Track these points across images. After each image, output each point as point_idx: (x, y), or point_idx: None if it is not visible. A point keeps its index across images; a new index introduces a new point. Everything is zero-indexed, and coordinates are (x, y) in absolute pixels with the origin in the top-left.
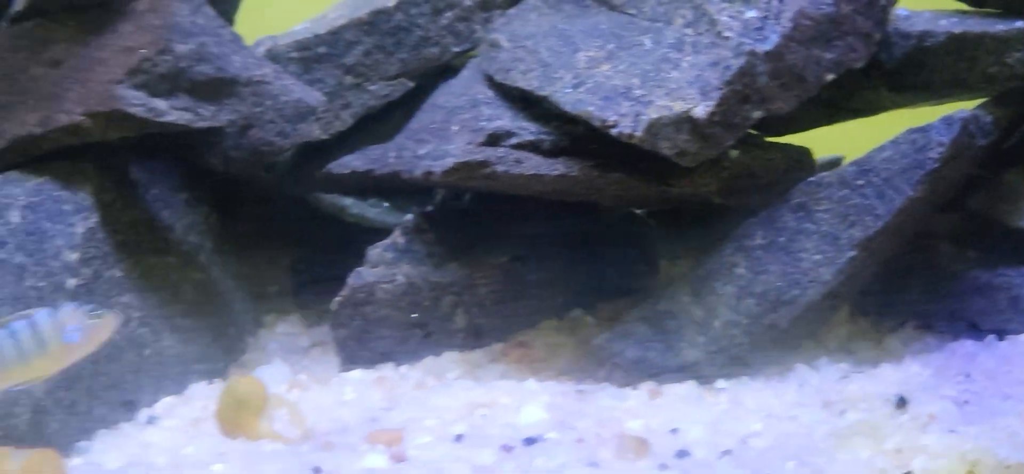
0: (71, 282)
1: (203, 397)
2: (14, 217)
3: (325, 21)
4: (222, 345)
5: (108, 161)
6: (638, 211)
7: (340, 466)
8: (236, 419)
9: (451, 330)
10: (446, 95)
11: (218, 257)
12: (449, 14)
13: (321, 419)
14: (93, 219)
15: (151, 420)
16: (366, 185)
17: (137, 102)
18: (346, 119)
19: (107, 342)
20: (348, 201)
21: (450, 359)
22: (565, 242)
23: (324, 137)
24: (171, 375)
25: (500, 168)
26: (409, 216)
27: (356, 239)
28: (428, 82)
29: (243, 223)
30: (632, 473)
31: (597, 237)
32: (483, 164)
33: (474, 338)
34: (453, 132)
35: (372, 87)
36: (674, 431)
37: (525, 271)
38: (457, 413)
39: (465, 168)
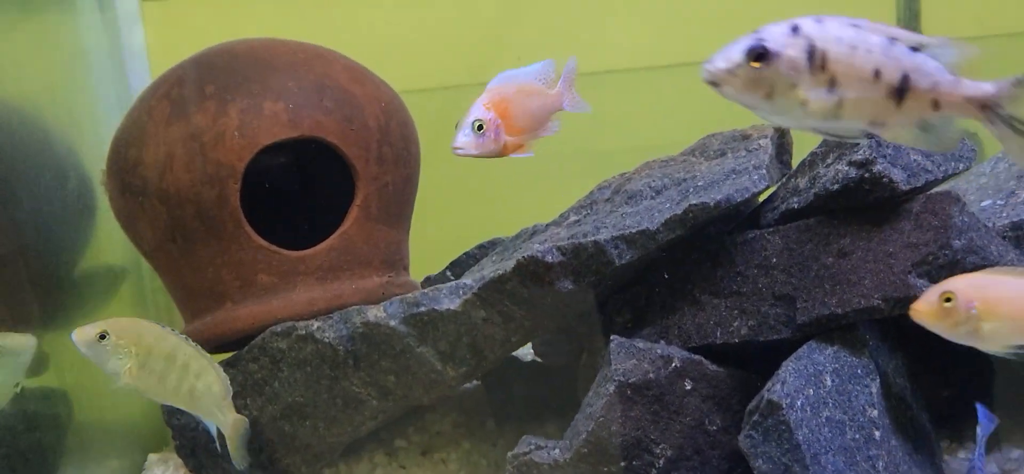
0: (876, 433)
1: None
2: (828, 381)
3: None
4: (936, 469)
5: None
6: None
7: None
8: None
9: None
10: None
11: (913, 395)
12: None
13: None
14: (878, 380)
15: None
16: None
17: (924, 289)
18: None
19: None
20: None
21: None
22: None
23: None
24: None
25: None
26: None
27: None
28: None
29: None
30: None
31: None
32: None
33: None
34: None
35: None
36: None
37: None
38: None
39: None
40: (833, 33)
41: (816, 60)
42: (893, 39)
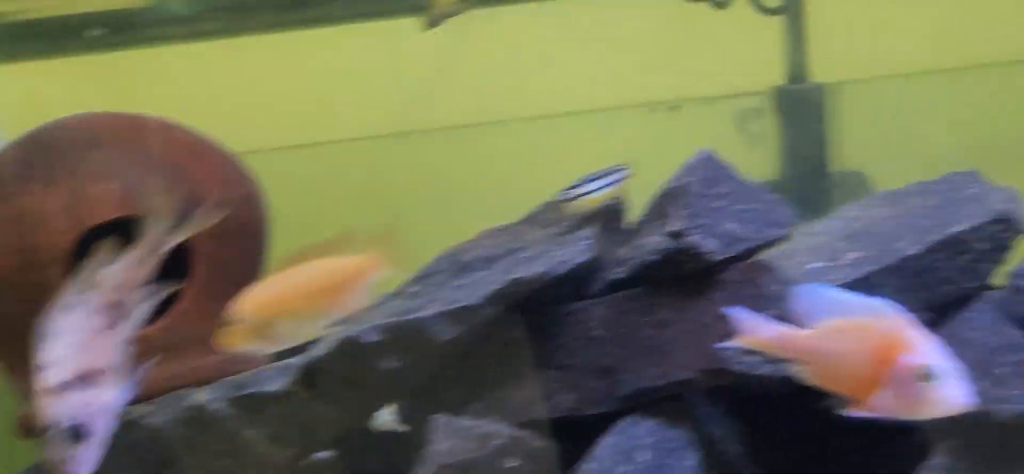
0: None
1: None
2: (644, 456)
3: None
4: None
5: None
6: None
7: None
8: None
9: None
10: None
11: (749, 462)
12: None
13: None
14: (697, 452)
15: None
16: None
17: (738, 361)
18: None
19: None
20: None
21: None
22: None
23: None
24: None
25: None
26: None
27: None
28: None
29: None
30: None
31: None
32: None
33: None
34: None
35: None
36: None
37: None
38: None
39: None
40: None
41: None
42: None
